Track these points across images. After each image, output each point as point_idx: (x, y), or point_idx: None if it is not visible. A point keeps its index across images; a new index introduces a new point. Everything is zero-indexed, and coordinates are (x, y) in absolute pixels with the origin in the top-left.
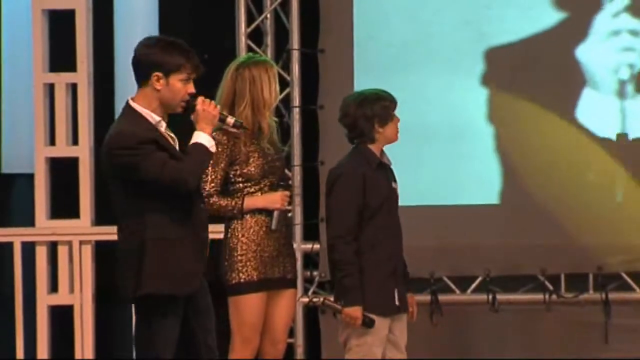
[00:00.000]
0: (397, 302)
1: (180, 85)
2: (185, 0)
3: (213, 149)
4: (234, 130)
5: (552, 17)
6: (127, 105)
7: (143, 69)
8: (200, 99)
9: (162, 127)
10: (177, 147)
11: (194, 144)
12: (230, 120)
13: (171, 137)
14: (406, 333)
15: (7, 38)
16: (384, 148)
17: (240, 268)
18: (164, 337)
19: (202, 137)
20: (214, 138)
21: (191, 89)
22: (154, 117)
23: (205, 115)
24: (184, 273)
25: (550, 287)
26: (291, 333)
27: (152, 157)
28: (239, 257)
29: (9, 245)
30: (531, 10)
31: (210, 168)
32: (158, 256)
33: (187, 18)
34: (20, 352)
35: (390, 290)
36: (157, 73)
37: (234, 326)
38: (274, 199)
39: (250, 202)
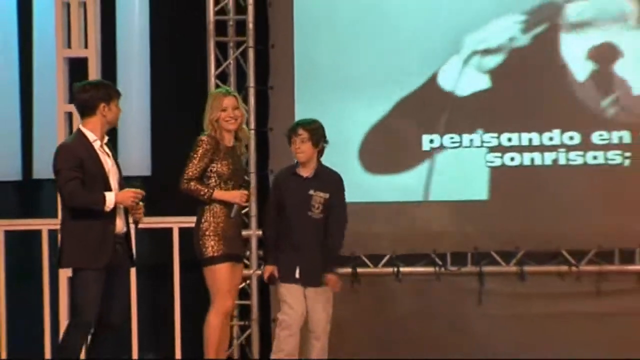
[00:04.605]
0: (296, 275)
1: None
2: (172, 48)
3: (106, 208)
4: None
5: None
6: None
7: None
8: (140, 191)
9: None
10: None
11: (104, 194)
12: (140, 213)
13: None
14: (323, 303)
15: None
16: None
17: (213, 245)
18: None
19: (110, 196)
20: (204, 139)
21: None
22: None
23: (127, 197)
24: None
25: (440, 263)
26: (248, 297)
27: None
28: (211, 236)
29: None
30: (480, 29)
31: (196, 159)
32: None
33: (172, 62)
34: None
35: (291, 264)
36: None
37: (213, 289)
38: (235, 195)
39: (219, 194)
